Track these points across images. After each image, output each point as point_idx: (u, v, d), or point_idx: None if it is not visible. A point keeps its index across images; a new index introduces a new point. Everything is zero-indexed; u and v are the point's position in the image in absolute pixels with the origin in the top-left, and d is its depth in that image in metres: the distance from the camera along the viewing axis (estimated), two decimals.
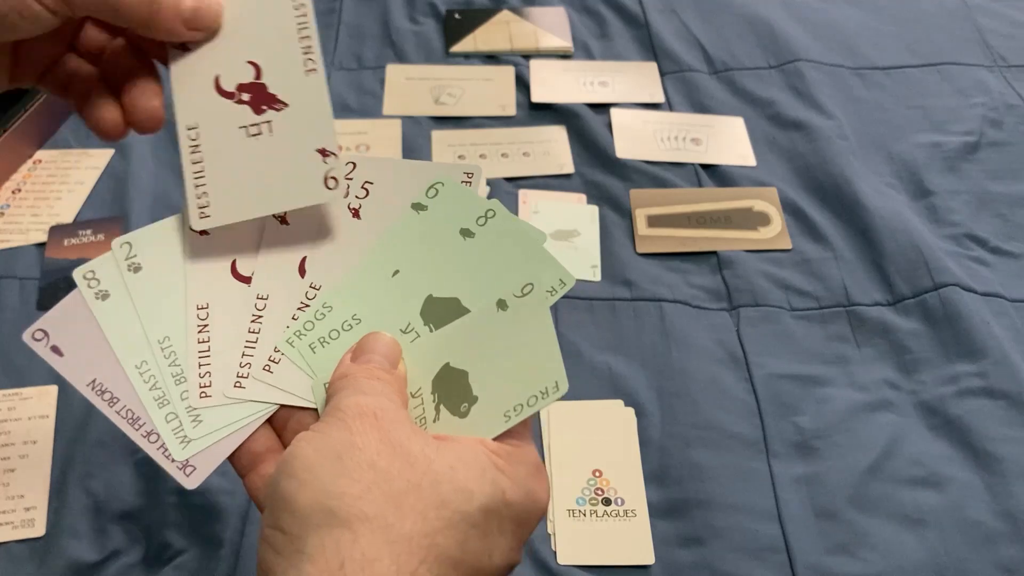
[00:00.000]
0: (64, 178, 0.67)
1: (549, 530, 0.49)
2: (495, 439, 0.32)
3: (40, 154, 0.69)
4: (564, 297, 0.60)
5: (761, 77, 0.78)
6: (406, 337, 0.35)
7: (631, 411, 0.54)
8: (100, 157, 0.69)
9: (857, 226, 0.65)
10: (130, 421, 0.35)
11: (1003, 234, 0.65)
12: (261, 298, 0.36)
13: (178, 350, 0.36)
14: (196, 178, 0.36)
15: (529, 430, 0.33)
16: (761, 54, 0.80)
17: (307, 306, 0.36)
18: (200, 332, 0.36)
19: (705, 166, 0.70)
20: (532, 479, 0.31)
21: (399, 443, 0.29)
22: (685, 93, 0.77)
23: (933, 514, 0.49)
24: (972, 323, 0.57)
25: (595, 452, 0.52)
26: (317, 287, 0.37)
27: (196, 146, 0.36)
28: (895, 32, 0.84)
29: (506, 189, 0.67)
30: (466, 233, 0.36)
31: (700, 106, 0.76)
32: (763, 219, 0.66)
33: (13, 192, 0.66)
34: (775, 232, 0.65)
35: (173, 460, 0.34)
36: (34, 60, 0.37)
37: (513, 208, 0.66)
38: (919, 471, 0.51)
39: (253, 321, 0.36)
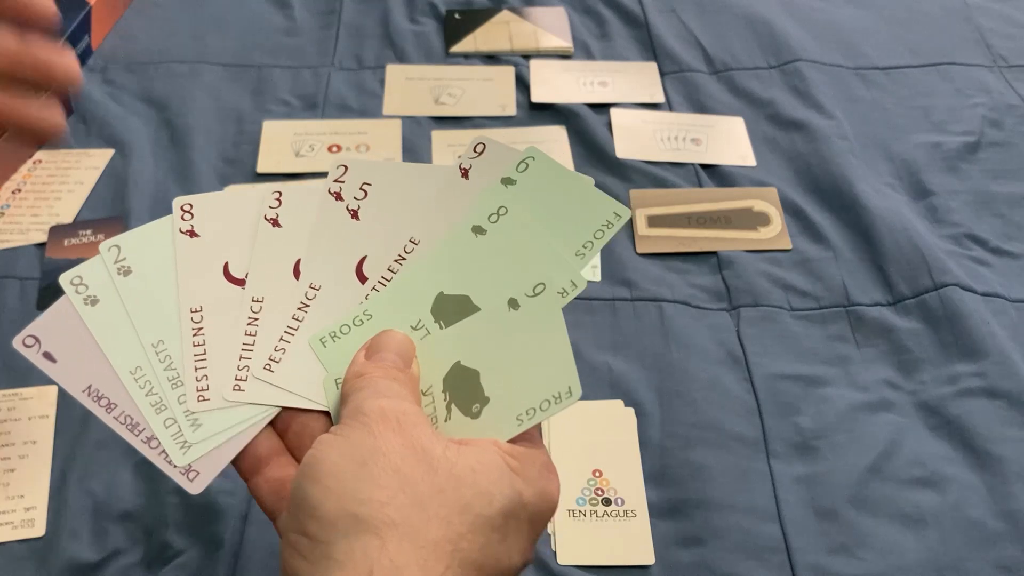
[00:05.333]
0: (64, 178, 0.67)
1: (549, 530, 0.49)
2: (508, 441, 0.32)
3: (40, 154, 0.69)
4: None
5: (761, 77, 0.78)
6: (417, 334, 0.35)
7: (631, 411, 0.54)
8: (100, 157, 0.69)
9: (857, 226, 0.65)
10: (129, 427, 0.34)
11: (1003, 234, 0.65)
12: (256, 300, 0.36)
13: (173, 354, 0.35)
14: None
15: (538, 430, 0.33)
16: (761, 54, 0.80)
17: (307, 307, 0.36)
18: (195, 335, 0.35)
19: (705, 166, 0.70)
20: (544, 479, 0.32)
21: (421, 448, 0.29)
22: (685, 93, 0.77)
23: (933, 514, 0.49)
24: (972, 323, 0.57)
25: (595, 452, 0.52)
26: (317, 287, 0.37)
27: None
28: (895, 32, 0.84)
29: None
30: (478, 230, 0.36)
31: (700, 106, 0.76)
32: (763, 219, 0.66)
33: (13, 192, 0.66)
34: (775, 232, 0.65)
35: (175, 465, 0.34)
36: None
37: None
38: (919, 471, 0.51)
39: (249, 323, 0.36)
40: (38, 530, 0.48)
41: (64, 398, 0.53)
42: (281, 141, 0.71)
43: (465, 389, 0.33)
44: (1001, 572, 0.47)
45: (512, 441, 0.32)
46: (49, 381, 0.54)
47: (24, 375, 0.54)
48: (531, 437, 0.33)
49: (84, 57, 0.77)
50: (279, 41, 0.81)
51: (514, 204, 0.36)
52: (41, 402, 0.53)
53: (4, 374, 0.55)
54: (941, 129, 0.74)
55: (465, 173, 0.37)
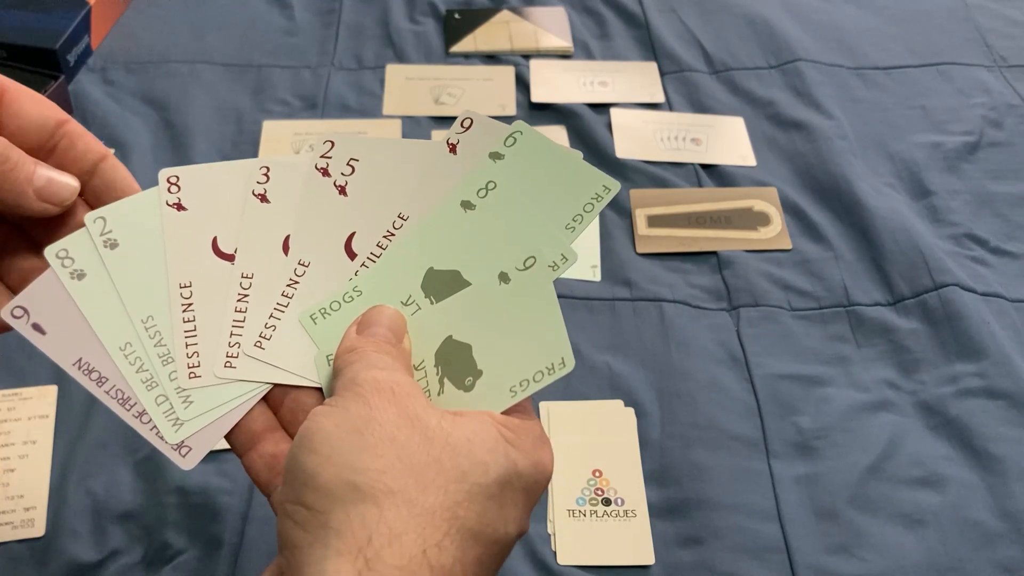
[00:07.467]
0: None
1: (549, 530, 0.49)
2: (502, 413, 0.32)
3: None
4: (564, 297, 0.60)
5: (761, 77, 0.78)
6: (407, 309, 0.35)
7: (631, 411, 0.54)
8: None
9: (857, 226, 0.65)
10: (120, 401, 0.34)
11: (1003, 234, 0.65)
12: (246, 276, 0.36)
13: (163, 329, 0.34)
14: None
15: (531, 402, 0.34)
16: (761, 54, 0.80)
17: (297, 283, 0.36)
18: (185, 311, 0.35)
19: (705, 166, 0.70)
20: (539, 450, 0.32)
21: (417, 417, 0.30)
22: (685, 93, 0.77)
23: (933, 514, 0.49)
24: (972, 323, 0.57)
25: (595, 452, 0.52)
26: (306, 264, 0.36)
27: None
28: (895, 32, 0.84)
29: None
30: (467, 205, 0.36)
31: (700, 106, 0.76)
32: (763, 219, 0.66)
33: None
34: (775, 232, 0.65)
35: (167, 442, 0.33)
36: None
37: None
38: (919, 471, 0.51)
39: (240, 300, 0.35)
40: (38, 530, 0.48)
41: (64, 398, 0.53)
42: (281, 141, 0.71)
43: (457, 363, 0.33)
44: (1001, 572, 0.47)
45: (506, 413, 0.32)
46: (49, 381, 0.54)
47: (24, 375, 0.54)
48: (525, 409, 0.33)
49: (84, 57, 0.77)
50: (279, 41, 0.81)
51: (503, 179, 0.36)
52: (41, 402, 0.53)
53: (4, 374, 0.55)
54: (941, 129, 0.74)
55: (453, 148, 0.37)
